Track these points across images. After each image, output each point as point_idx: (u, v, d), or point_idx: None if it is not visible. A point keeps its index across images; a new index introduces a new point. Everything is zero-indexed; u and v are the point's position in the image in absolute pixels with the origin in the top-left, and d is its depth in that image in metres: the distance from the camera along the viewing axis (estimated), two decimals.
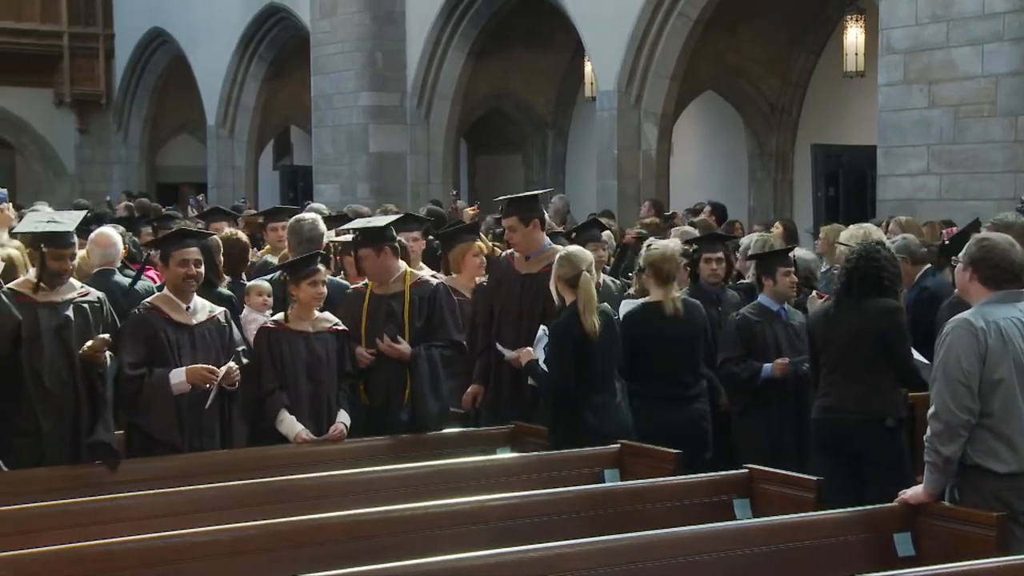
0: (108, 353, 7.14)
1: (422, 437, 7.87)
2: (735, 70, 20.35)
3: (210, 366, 7.34)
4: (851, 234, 9.16)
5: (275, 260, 10.12)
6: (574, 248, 8.11)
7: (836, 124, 19.76)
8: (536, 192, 9.12)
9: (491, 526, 6.09)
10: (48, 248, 7.18)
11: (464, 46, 21.21)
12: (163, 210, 16.86)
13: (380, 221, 8.50)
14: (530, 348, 7.87)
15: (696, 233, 10.64)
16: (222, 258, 9.31)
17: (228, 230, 10.87)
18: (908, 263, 8.83)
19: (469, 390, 8.49)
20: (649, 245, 8.56)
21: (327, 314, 7.95)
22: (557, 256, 7.91)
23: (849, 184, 19.18)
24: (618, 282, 10.19)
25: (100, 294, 7.54)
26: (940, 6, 13.21)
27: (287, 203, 19.21)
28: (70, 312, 7.23)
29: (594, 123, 19.19)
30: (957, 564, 5.28)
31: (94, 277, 8.74)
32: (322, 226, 9.46)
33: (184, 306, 7.52)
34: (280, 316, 7.91)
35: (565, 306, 7.73)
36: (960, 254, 6.18)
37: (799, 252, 9.80)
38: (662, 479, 6.83)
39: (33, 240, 7.52)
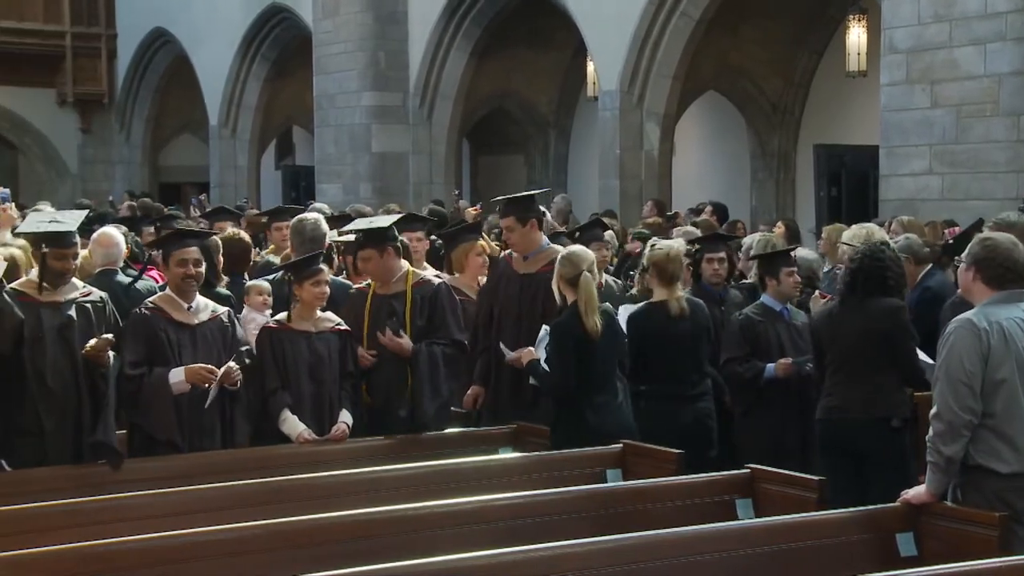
0: (111, 353, 7.15)
1: (424, 437, 7.86)
2: (737, 70, 20.34)
3: (209, 366, 7.33)
4: (853, 234, 9.16)
5: (277, 260, 10.12)
6: (576, 248, 8.10)
7: (838, 124, 19.75)
8: (533, 192, 9.12)
9: (493, 526, 6.08)
10: (50, 248, 7.18)
11: (466, 46, 21.21)
12: (165, 210, 16.85)
13: (383, 221, 8.49)
14: (531, 348, 7.87)
15: (698, 233, 10.64)
16: (221, 258, 9.32)
17: (231, 230, 10.88)
18: (911, 263, 8.82)
19: (470, 391, 8.48)
20: (653, 245, 8.55)
21: (329, 314, 7.94)
22: (559, 256, 7.91)
23: (851, 184, 19.16)
24: (620, 282, 10.19)
25: (103, 294, 7.54)
26: (942, 6, 13.20)
27: (289, 203, 19.22)
28: (73, 312, 7.23)
29: (596, 123, 19.18)
30: (959, 564, 5.27)
31: (96, 277, 8.74)
32: (324, 226, 9.46)
33: (186, 306, 7.51)
34: (282, 316, 7.91)
35: (566, 305, 7.73)
36: (963, 254, 6.18)
37: (801, 252, 9.80)
38: (664, 479, 6.82)
39: (35, 240, 7.52)
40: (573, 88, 23.57)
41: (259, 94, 26.26)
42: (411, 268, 8.30)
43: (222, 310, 7.74)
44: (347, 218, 11.52)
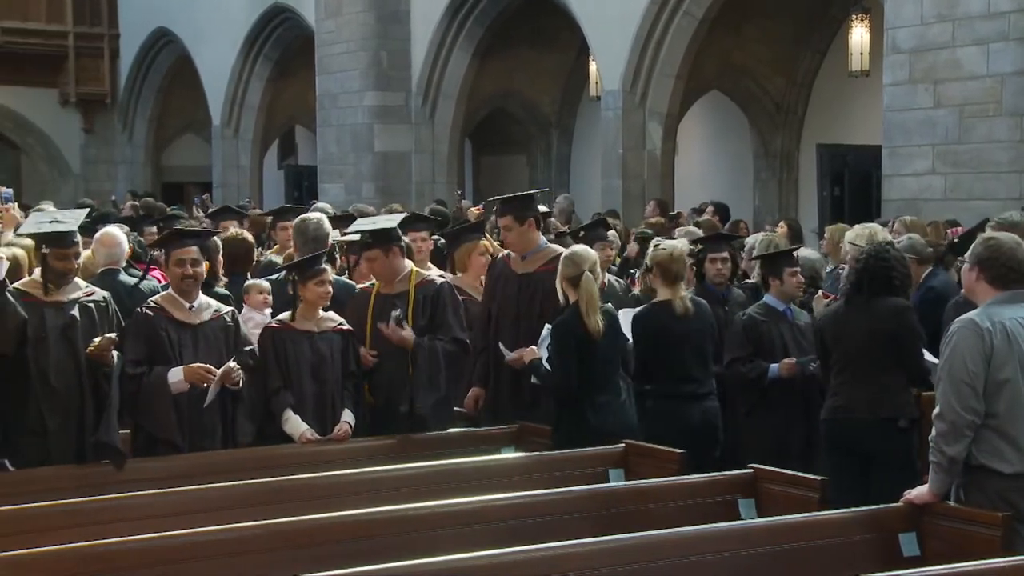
0: (115, 352, 7.15)
1: (426, 437, 7.85)
2: (740, 69, 20.33)
3: (207, 365, 7.33)
4: (856, 234, 9.15)
5: (280, 259, 10.12)
6: (579, 247, 8.10)
7: (841, 124, 19.74)
8: (531, 192, 9.11)
9: (494, 526, 6.07)
10: (51, 249, 7.19)
11: (469, 46, 21.21)
12: (168, 210, 16.86)
13: (388, 221, 8.48)
14: (533, 347, 7.86)
15: (700, 233, 10.63)
16: (221, 258, 9.31)
17: (233, 230, 10.87)
18: (914, 263, 8.81)
19: (470, 393, 8.47)
20: (656, 245, 8.54)
21: (332, 313, 7.94)
22: (562, 255, 7.91)
23: (854, 184, 19.15)
24: (623, 282, 10.18)
25: (105, 293, 7.55)
26: (945, 6, 13.18)
27: (292, 203, 19.22)
28: (76, 312, 7.24)
29: (599, 123, 19.17)
30: (962, 564, 5.27)
31: (99, 277, 8.74)
32: (327, 225, 9.45)
33: (187, 305, 7.51)
34: (285, 315, 7.90)
35: (568, 305, 7.73)
36: (966, 254, 6.17)
37: (804, 252, 9.79)
38: (666, 479, 6.81)
39: (36, 241, 7.53)
40: (576, 88, 23.56)
41: (262, 94, 26.28)
42: (415, 268, 8.30)
43: (226, 309, 7.74)
44: (350, 218, 11.51)
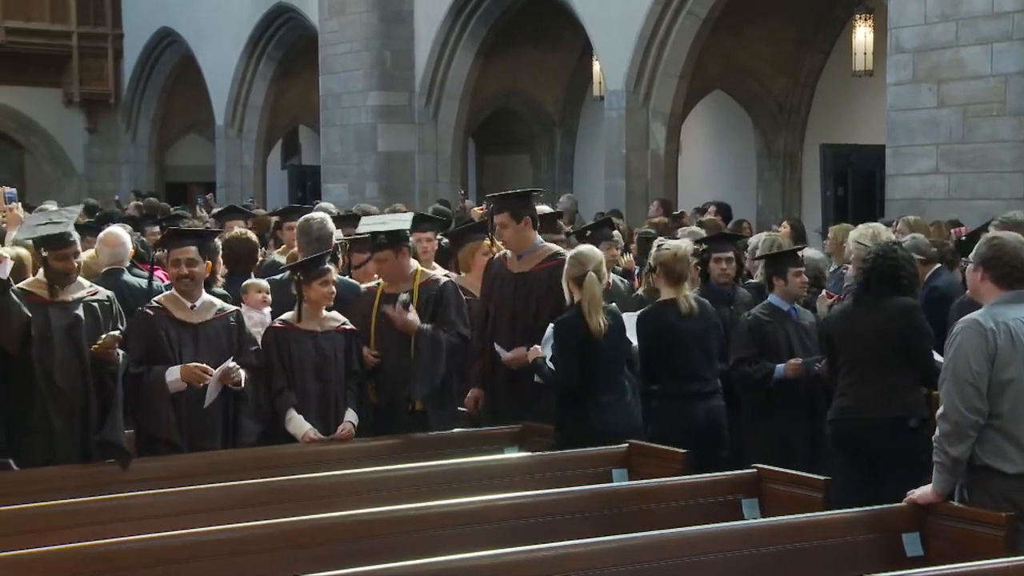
0: (120, 351, 7.14)
1: (429, 437, 7.85)
2: (744, 69, 20.33)
3: (203, 365, 7.32)
4: (860, 233, 9.13)
5: (283, 260, 10.10)
6: (585, 247, 8.09)
7: (845, 123, 19.71)
8: (529, 190, 9.10)
9: (495, 526, 6.06)
10: (49, 251, 7.20)
11: (472, 45, 21.20)
12: (172, 210, 16.85)
13: (400, 222, 8.46)
14: (537, 347, 7.85)
15: (703, 233, 10.62)
16: (220, 259, 9.30)
17: (237, 229, 10.87)
18: (918, 263, 8.78)
19: (470, 394, 8.48)
20: (660, 245, 8.53)
21: (335, 313, 7.95)
22: (569, 255, 7.92)
23: (858, 184, 19.09)
24: (627, 281, 10.17)
25: (109, 292, 7.56)
26: (949, 5, 13.16)
27: (295, 203, 19.21)
28: (80, 311, 7.24)
29: (602, 122, 19.17)
30: (966, 564, 5.25)
31: (103, 276, 8.75)
32: (331, 225, 9.45)
33: (189, 304, 7.51)
34: (288, 315, 7.90)
35: (573, 304, 7.72)
36: (970, 255, 6.15)
37: (808, 252, 9.77)
38: (669, 479, 6.80)
39: (34, 244, 7.53)
40: (579, 87, 23.55)
41: (265, 94, 26.28)
42: (420, 268, 8.32)
43: (230, 309, 7.74)
44: (353, 217, 11.50)
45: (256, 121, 26.50)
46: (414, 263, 8.30)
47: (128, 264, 9.33)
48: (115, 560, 5.41)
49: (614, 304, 8.07)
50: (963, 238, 9.89)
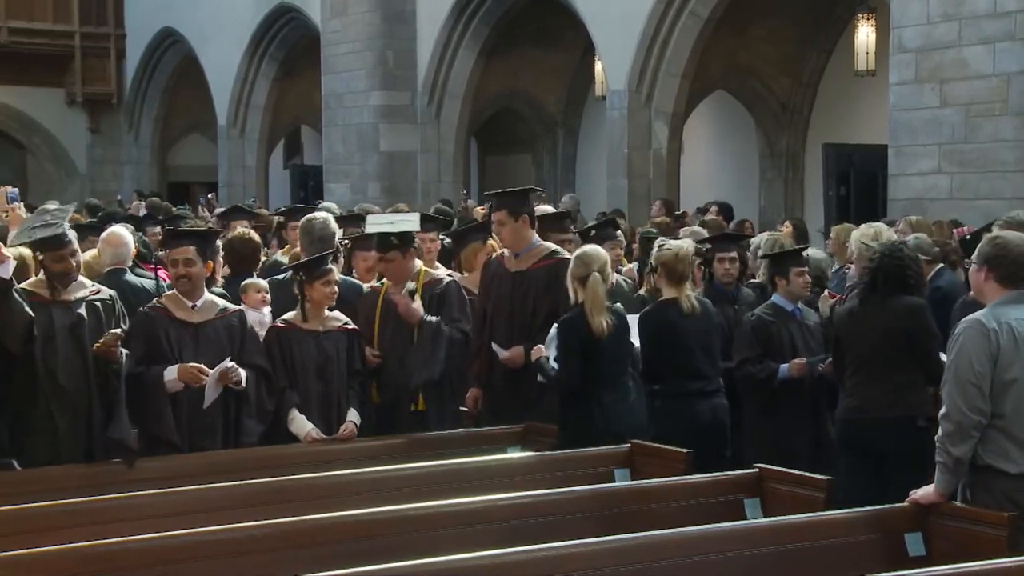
0: (123, 350, 7.14)
1: (431, 437, 7.85)
2: (746, 69, 20.33)
3: (200, 365, 7.31)
4: (862, 233, 9.11)
5: (286, 259, 10.10)
6: (590, 247, 8.10)
7: (847, 123, 19.71)
8: (526, 188, 9.10)
9: (497, 526, 6.04)
10: (44, 253, 7.20)
11: (475, 45, 21.20)
12: (174, 209, 16.85)
13: (409, 223, 8.45)
14: (540, 346, 7.85)
15: (705, 233, 10.61)
16: (224, 258, 9.29)
17: (240, 229, 10.87)
18: None
19: (470, 394, 8.47)
20: (661, 245, 8.52)
21: (337, 313, 7.94)
22: (574, 254, 7.93)
23: (860, 183, 19.09)
24: (631, 281, 10.17)
25: (112, 292, 7.56)
26: (951, 5, 13.15)
27: (297, 202, 19.21)
28: (83, 310, 7.24)
29: (604, 122, 19.16)
30: (968, 564, 5.24)
31: (105, 276, 8.75)
32: (333, 225, 9.44)
33: (190, 304, 7.50)
34: (290, 315, 7.89)
35: (576, 303, 7.72)
36: (973, 255, 6.14)
37: (810, 252, 9.77)
38: (671, 479, 6.78)
39: (30, 248, 7.54)
40: (581, 87, 23.56)
41: (267, 94, 26.29)
42: (423, 267, 8.32)
43: (233, 309, 7.73)
44: (356, 218, 11.50)
45: (258, 121, 26.52)
46: (418, 263, 8.29)
47: (131, 264, 9.33)
48: (115, 560, 5.40)
49: (619, 304, 8.06)
50: (967, 237, 9.88)
